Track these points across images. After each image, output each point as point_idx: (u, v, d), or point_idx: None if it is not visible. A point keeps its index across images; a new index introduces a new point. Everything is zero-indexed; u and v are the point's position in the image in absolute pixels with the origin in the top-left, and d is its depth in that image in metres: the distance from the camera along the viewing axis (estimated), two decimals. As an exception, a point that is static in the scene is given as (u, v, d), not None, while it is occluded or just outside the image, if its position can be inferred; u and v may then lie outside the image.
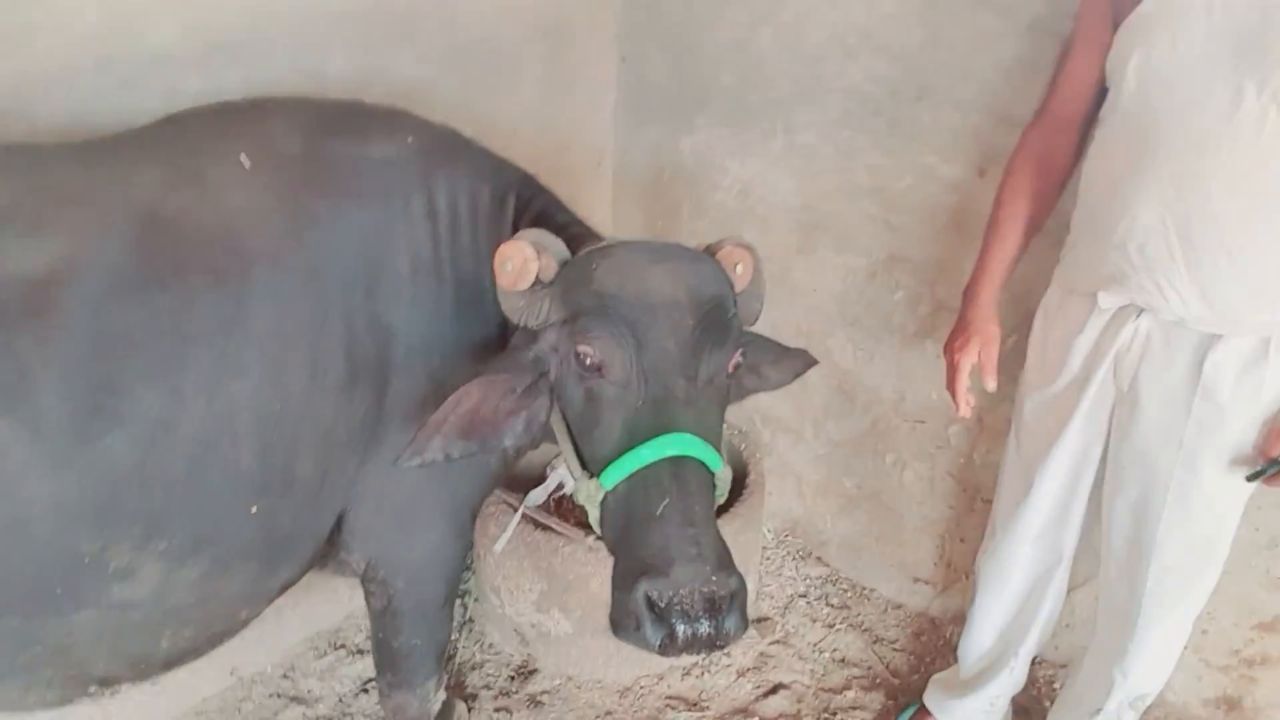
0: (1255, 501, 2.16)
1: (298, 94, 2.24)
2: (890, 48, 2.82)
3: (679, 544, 1.57)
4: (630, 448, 1.67)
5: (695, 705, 3.02)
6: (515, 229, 2.11)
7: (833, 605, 3.41)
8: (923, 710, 2.79)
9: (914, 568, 3.35)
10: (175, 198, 1.76)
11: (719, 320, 1.77)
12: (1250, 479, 2.03)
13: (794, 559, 3.62)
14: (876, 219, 3.11)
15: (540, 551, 2.89)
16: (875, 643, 3.25)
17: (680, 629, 1.53)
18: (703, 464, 1.69)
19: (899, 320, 3.16)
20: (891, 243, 3.10)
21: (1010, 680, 2.57)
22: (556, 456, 2.65)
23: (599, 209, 3.56)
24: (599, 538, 1.81)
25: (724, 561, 1.60)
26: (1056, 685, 2.98)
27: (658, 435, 1.65)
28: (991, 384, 2.29)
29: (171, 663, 1.95)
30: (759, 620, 3.31)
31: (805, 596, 3.45)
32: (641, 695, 3.05)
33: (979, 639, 2.57)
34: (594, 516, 1.79)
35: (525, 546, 2.91)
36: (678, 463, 1.65)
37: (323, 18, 2.45)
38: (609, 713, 2.97)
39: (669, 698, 3.04)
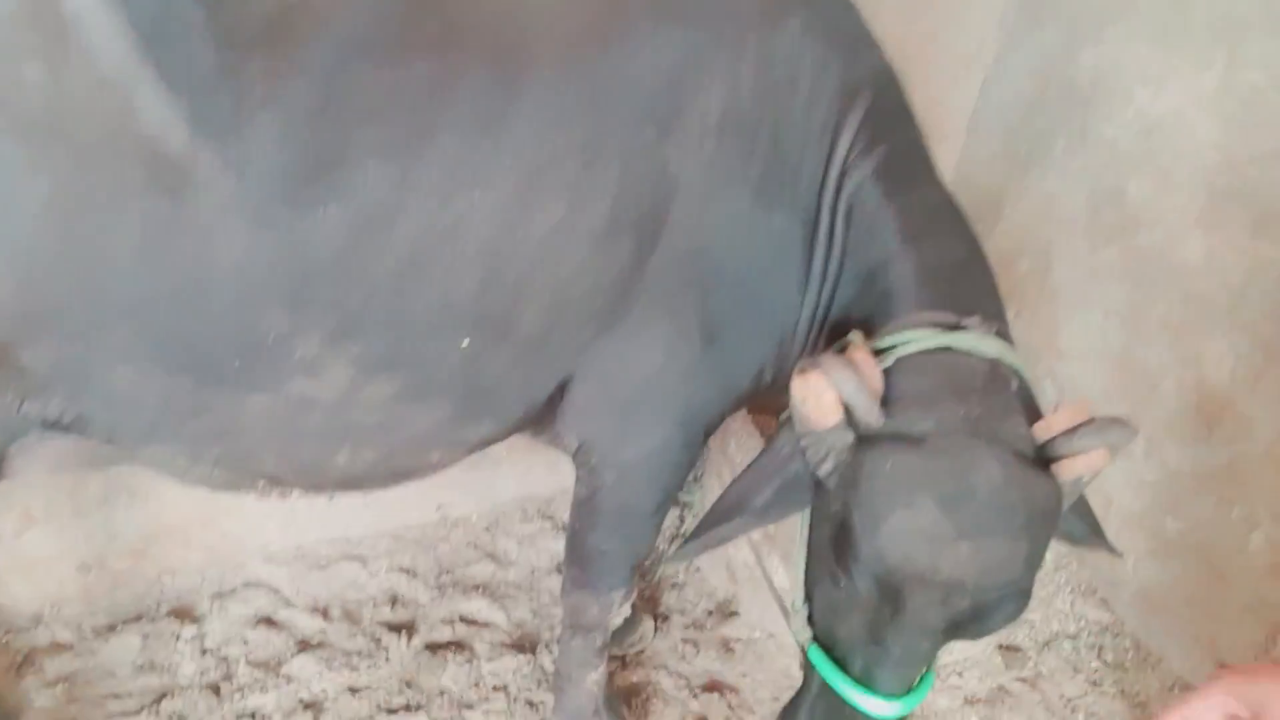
0: None
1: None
2: None
3: None
4: (842, 663, 1.53)
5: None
6: (849, 145, 1.75)
7: (1105, 661, 2.78)
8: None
9: (1226, 651, 2.63)
10: None
11: (1007, 605, 1.42)
12: None
13: (1072, 593, 3.00)
14: (1321, 204, 2.36)
15: (776, 491, 2.52)
16: (1147, 721, 2.61)
17: None
18: None
19: (1312, 341, 2.41)
20: (1334, 239, 2.35)
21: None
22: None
23: (954, 119, 2.99)
24: None
25: None
26: None
27: (869, 688, 1.49)
28: None
29: (347, 483, 1.79)
30: (1006, 648, 2.76)
31: (1074, 640, 2.84)
32: (845, 682, 2.64)
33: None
34: (793, 640, 1.67)
35: (761, 481, 2.56)
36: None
37: None
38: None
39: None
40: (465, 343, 1.60)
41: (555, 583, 2.78)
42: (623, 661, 2.56)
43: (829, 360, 1.44)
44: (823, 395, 1.41)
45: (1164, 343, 2.80)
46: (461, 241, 1.50)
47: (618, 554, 2.09)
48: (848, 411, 1.42)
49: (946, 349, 1.51)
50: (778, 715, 1.69)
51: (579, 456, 1.99)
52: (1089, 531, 1.66)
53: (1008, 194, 3.23)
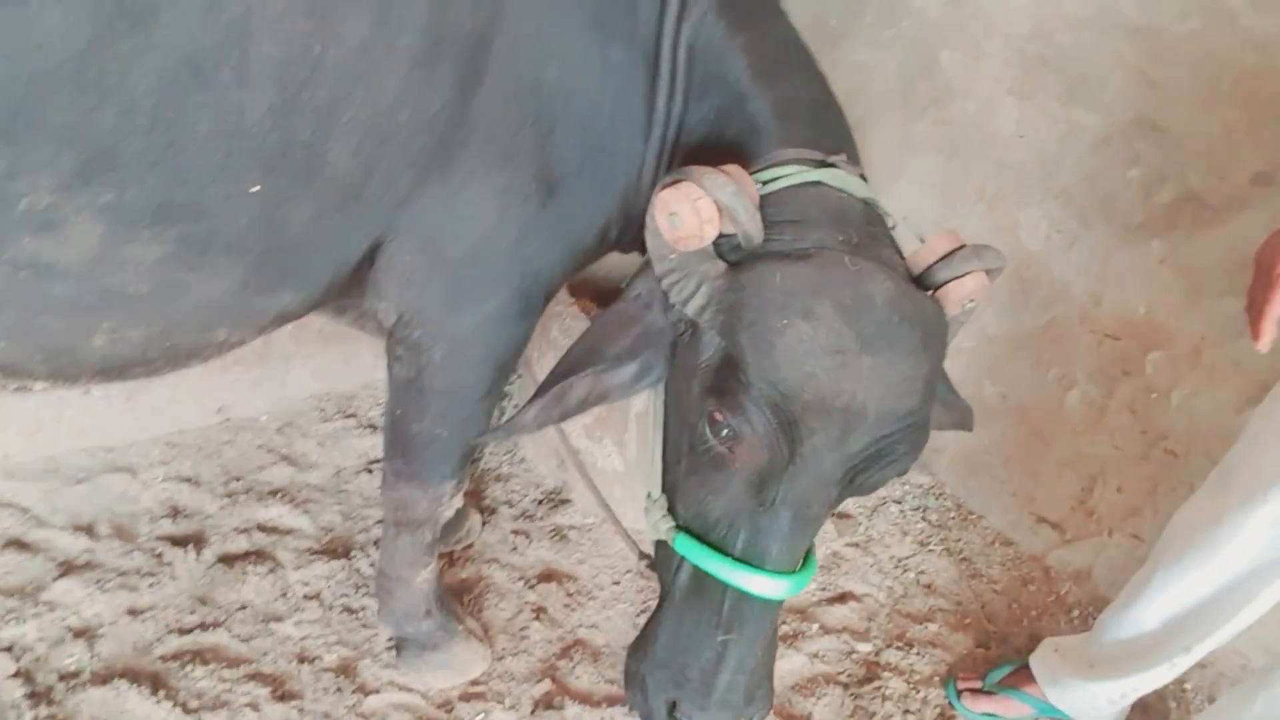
0: None
1: None
2: None
3: (726, 689, 1.41)
4: (720, 545, 1.39)
5: (742, 591, 2.52)
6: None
7: (929, 522, 2.85)
8: (1023, 674, 2.24)
9: (1043, 506, 2.75)
10: None
11: (906, 439, 1.33)
12: None
13: (894, 458, 3.04)
14: (1132, 68, 2.41)
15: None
16: (973, 577, 2.69)
17: None
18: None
19: (1124, 204, 2.48)
20: (1145, 103, 2.41)
21: (1165, 677, 1.99)
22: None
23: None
24: None
25: (762, 697, 1.46)
26: (1188, 686, 2.41)
27: (756, 566, 1.36)
28: None
29: (108, 370, 1.44)
30: (838, 516, 2.77)
31: (900, 504, 2.90)
32: (682, 563, 2.55)
33: (1140, 617, 1.98)
34: (650, 537, 1.54)
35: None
36: (760, 602, 1.39)
37: None
38: (640, 573, 2.46)
39: (714, 574, 2.54)
40: (256, 187, 1.29)
41: (365, 482, 2.51)
42: (450, 558, 2.34)
43: (698, 170, 1.29)
44: (699, 202, 1.26)
45: (979, 213, 2.82)
46: (245, 53, 1.19)
47: (450, 442, 1.84)
48: (721, 236, 1.30)
49: (817, 184, 1.42)
50: (633, 641, 1.55)
51: (399, 331, 1.71)
52: (953, 399, 1.64)
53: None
